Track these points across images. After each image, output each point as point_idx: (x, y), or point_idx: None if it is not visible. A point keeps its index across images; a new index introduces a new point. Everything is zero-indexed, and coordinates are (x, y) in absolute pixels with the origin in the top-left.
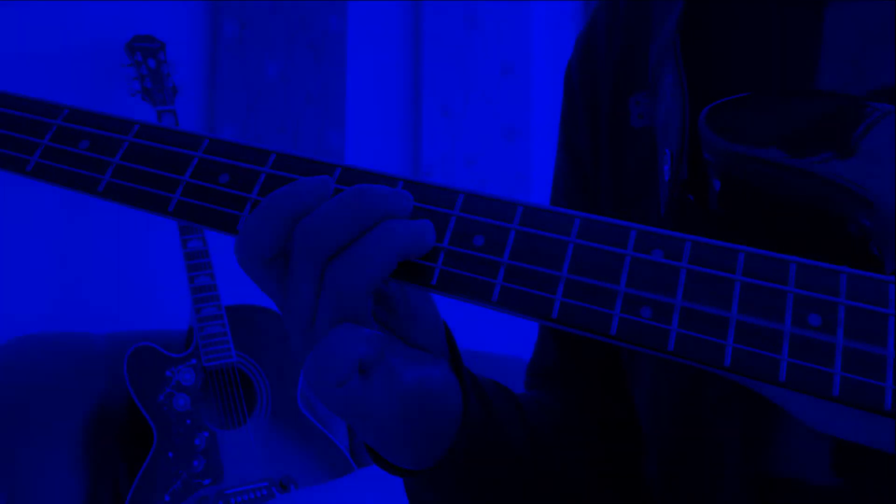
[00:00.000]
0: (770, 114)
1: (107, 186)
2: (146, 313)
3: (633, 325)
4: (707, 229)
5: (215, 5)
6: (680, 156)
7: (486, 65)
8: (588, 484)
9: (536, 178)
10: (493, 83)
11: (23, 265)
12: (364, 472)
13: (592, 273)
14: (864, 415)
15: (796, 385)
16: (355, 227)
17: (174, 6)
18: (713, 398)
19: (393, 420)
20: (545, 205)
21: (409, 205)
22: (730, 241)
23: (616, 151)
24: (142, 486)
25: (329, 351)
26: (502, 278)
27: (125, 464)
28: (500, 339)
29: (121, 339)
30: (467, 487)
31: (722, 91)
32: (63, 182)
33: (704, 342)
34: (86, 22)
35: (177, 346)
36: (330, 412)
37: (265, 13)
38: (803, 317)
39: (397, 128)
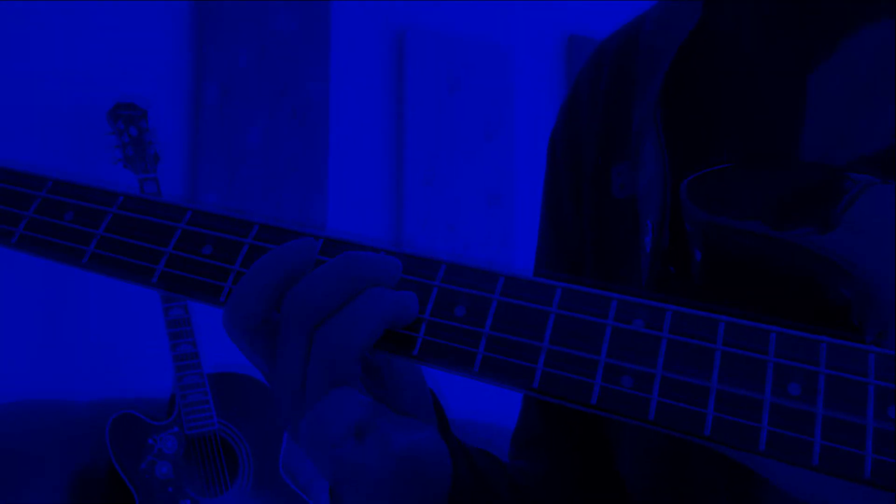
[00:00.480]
0: (751, 185)
1: (91, 257)
2: (128, 381)
3: (614, 394)
4: (689, 300)
5: (197, 71)
6: (661, 226)
7: (468, 130)
8: None
9: (519, 243)
10: (476, 148)
11: (4, 332)
12: None
13: (574, 343)
14: (841, 482)
15: (776, 454)
16: (344, 293)
17: (156, 72)
18: (698, 467)
19: (385, 485)
20: (527, 274)
21: (396, 272)
22: (709, 312)
23: (599, 221)
24: None
25: (325, 414)
26: (483, 348)
27: None
28: (486, 406)
29: (103, 406)
30: None
31: (704, 161)
32: (47, 254)
33: (685, 411)
34: (68, 88)
35: (159, 414)
36: (311, 479)
37: (247, 78)
38: (783, 386)
39: (380, 193)
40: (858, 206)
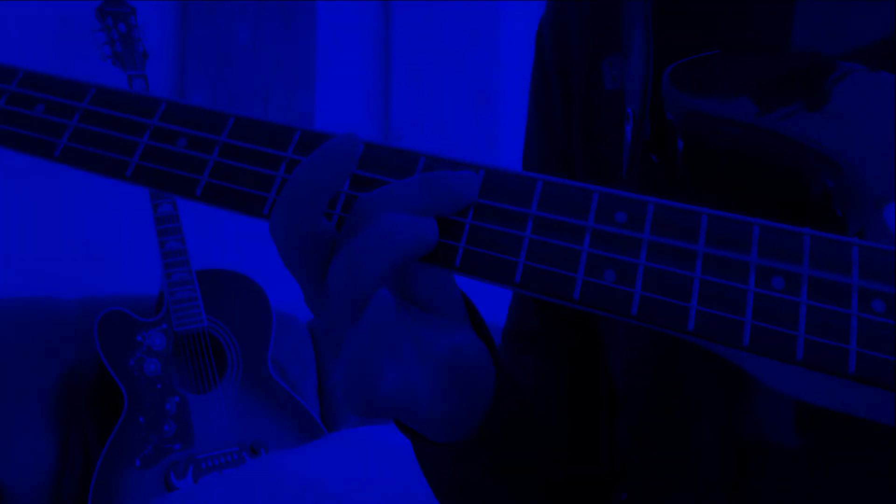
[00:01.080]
0: (736, 71)
1: (63, 150)
2: (116, 278)
3: (597, 289)
4: (671, 190)
5: None
6: (642, 115)
7: (455, 30)
8: (559, 448)
9: (506, 142)
10: (462, 48)
11: None
12: (335, 436)
13: (555, 235)
14: (826, 378)
15: (760, 349)
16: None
17: None
18: (687, 360)
19: (433, 396)
20: (507, 168)
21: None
22: (694, 202)
23: (588, 114)
24: (112, 450)
25: (374, 234)
26: (465, 241)
27: (95, 428)
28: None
29: (91, 303)
30: (507, 451)
31: (692, 52)
32: (19, 146)
33: (668, 305)
34: None
35: (147, 311)
36: (300, 376)
37: None
38: (767, 278)
39: (367, 92)
40: (844, 93)
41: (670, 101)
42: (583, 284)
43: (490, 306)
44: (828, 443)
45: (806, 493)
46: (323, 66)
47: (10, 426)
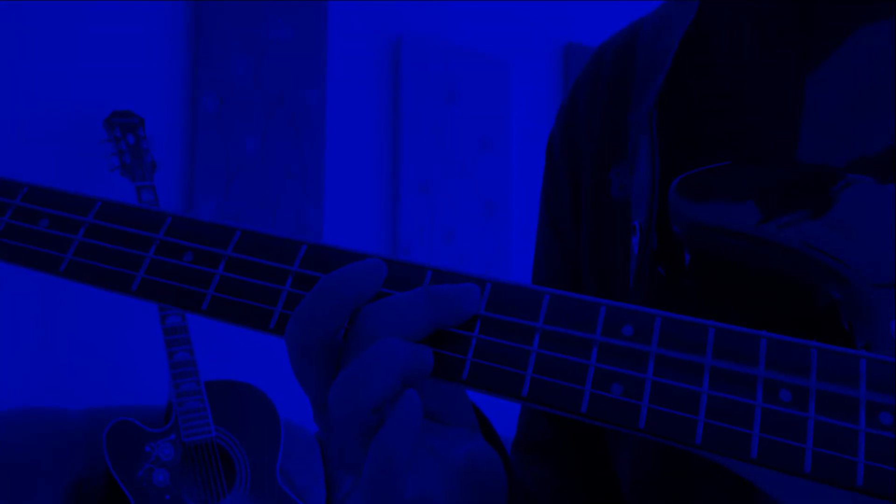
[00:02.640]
0: (742, 184)
1: (69, 265)
2: (124, 388)
3: (604, 401)
4: (678, 302)
5: (194, 80)
6: (648, 227)
7: (465, 140)
8: None
9: (516, 252)
10: (472, 158)
11: None
12: None
13: (563, 350)
14: (834, 491)
15: (768, 461)
16: (429, 325)
17: (153, 81)
18: (695, 472)
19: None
20: (514, 281)
21: (477, 302)
22: (701, 315)
23: (596, 223)
24: None
25: (369, 361)
26: (472, 355)
27: None
28: None
29: (99, 414)
30: None
31: (698, 163)
32: (24, 261)
33: (675, 418)
34: (65, 97)
35: (156, 422)
36: (308, 485)
37: (244, 87)
38: (775, 392)
39: (375, 203)
40: (847, 202)
41: (676, 214)
42: (590, 398)
43: (499, 417)
44: None
45: None
46: (331, 176)
47: None
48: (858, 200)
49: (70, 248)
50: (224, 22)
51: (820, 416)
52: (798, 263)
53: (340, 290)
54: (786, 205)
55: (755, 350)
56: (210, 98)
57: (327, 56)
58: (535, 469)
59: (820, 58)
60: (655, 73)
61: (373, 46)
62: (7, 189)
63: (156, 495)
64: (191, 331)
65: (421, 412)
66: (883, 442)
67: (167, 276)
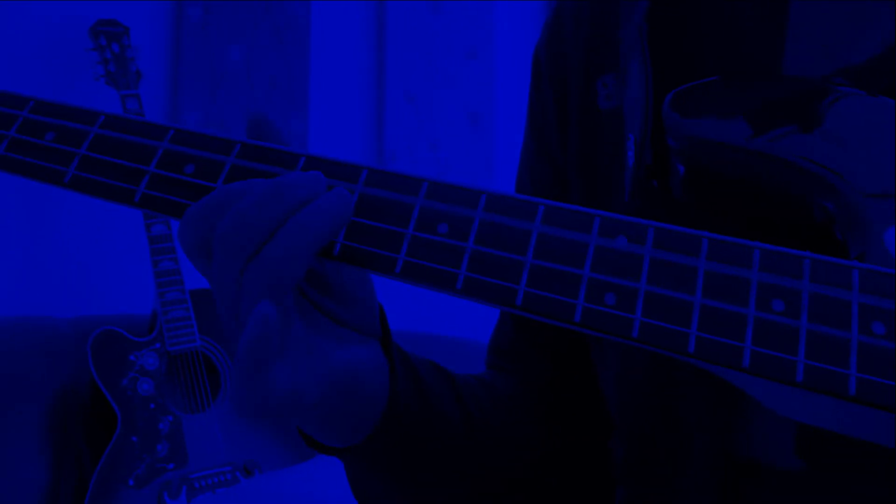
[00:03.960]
0: (734, 98)
1: (73, 178)
2: (109, 297)
3: (597, 312)
4: (671, 215)
5: None
6: (643, 141)
7: (450, 50)
8: (532, 462)
9: (500, 163)
10: (457, 68)
11: None
12: (327, 456)
13: (557, 259)
14: (826, 399)
15: (760, 371)
16: (273, 222)
17: None
18: (682, 380)
19: (321, 402)
20: (509, 192)
21: (321, 187)
22: (694, 228)
23: (584, 133)
24: (105, 469)
25: (251, 336)
26: (466, 266)
27: (89, 448)
28: (461, 322)
29: (84, 323)
30: (397, 465)
31: (688, 77)
32: (29, 174)
33: (668, 329)
34: (49, 6)
35: (140, 331)
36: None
37: None
38: (767, 302)
39: (361, 113)
40: (839, 115)
41: (671, 127)
42: (584, 308)
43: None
44: (828, 465)
45: None
46: (316, 86)
47: (3, 445)
48: (849, 112)
49: (73, 161)
50: None
51: (812, 326)
52: (792, 175)
53: (203, 213)
54: (779, 118)
55: (748, 260)
56: (195, 8)
57: None
58: (488, 373)
59: None
60: None
61: None
62: (14, 102)
63: (140, 404)
64: (175, 240)
65: (275, 324)
66: (875, 351)
67: (169, 187)
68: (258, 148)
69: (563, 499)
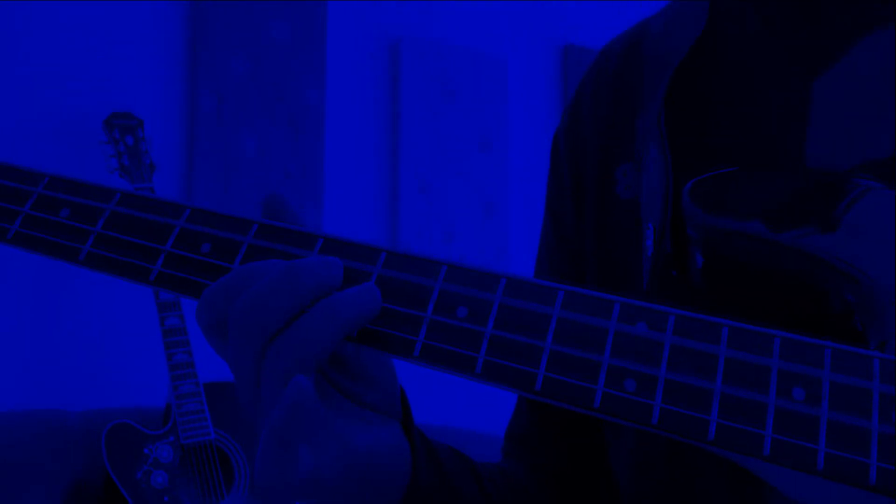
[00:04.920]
0: (754, 189)
1: (87, 256)
2: (123, 390)
3: (617, 398)
4: (690, 304)
5: (192, 79)
6: (663, 230)
7: (463, 140)
8: None
9: (515, 253)
10: (470, 159)
11: None
12: None
13: (576, 344)
14: (846, 488)
15: (781, 460)
16: (291, 307)
17: (151, 81)
18: (701, 467)
19: (342, 485)
20: (529, 276)
21: (338, 273)
22: (712, 316)
23: (602, 221)
24: None
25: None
26: (485, 350)
27: None
28: (467, 413)
29: (97, 416)
30: None
31: (707, 166)
32: (43, 251)
33: (688, 416)
34: (63, 98)
35: (154, 424)
36: None
37: (243, 86)
38: (788, 390)
39: (375, 203)
40: (861, 210)
41: (690, 217)
42: (603, 394)
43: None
44: None
45: None
46: (331, 176)
47: None
48: (872, 207)
49: (89, 238)
50: (222, 21)
51: (833, 415)
52: (812, 268)
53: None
54: (798, 212)
55: (769, 348)
56: (208, 97)
57: (326, 55)
58: (505, 461)
59: (827, 63)
60: (663, 75)
61: (372, 46)
62: (29, 178)
63: (154, 497)
64: (190, 332)
65: (311, 397)
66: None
67: (185, 266)
68: (276, 228)
69: None
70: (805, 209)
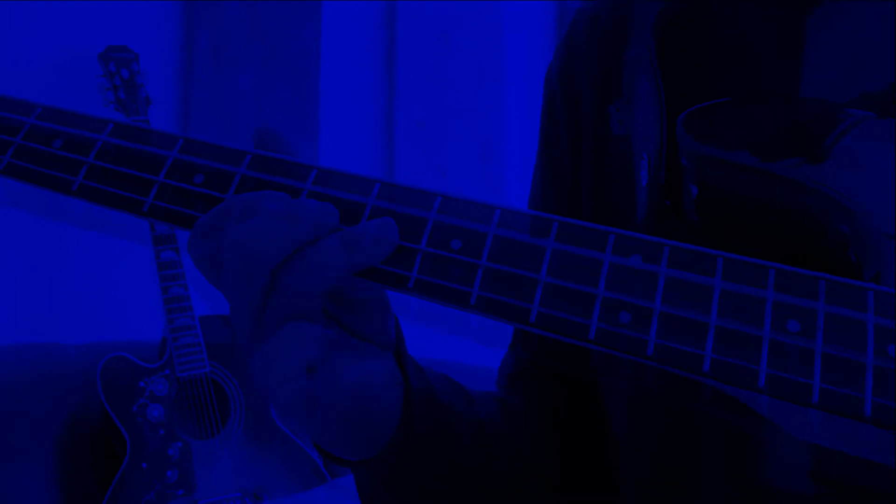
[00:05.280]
0: (748, 120)
1: (80, 187)
2: (118, 324)
3: (612, 330)
4: (684, 235)
5: (189, 16)
6: (657, 160)
7: (459, 78)
8: (543, 483)
9: (510, 190)
10: (466, 96)
11: None
12: (338, 482)
13: (571, 277)
14: (842, 420)
15: (776, 392)
16: (295, 240)
17: (148, 17)
18: (698, 401)
19: (335, 415)
20: (523, 208)
21: (333, 220)
22: (707, 248)
23: (597, 157)
24: (115, 496)
25: (278, 351)
26: (479, 282)
27: (98, 474)
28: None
29: (93, 349)
30: (408, 479)
31: (700, 98)
32: (36, 181)
33: (683, 348)
34: (59, 31)
35: (150, 357)
36: None
37: (239, 24)
38: (783, 322)
39: (371, 140)
40: (852, 140)
41: (685, 147)
42: (598, 326)
43: None
44: (844, 491)
45: None
46: (326, 113)
47: (12, 471)
48: (864, 137)
49: (81, 170)
50: None
51: (827, 348)
52: (806, 199)
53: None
54: (794, 141)
55: (763, 281)
56: (205, 34)
57: None
58: (500, 391)
59: None
60: (652, 7)
61: None
62: (21, 109)
63: (150, 430)
64: (185, 266)
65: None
66: (891, 374)
67: (178, 198)
68: (269, 159)
69: None
70: (797, 139)
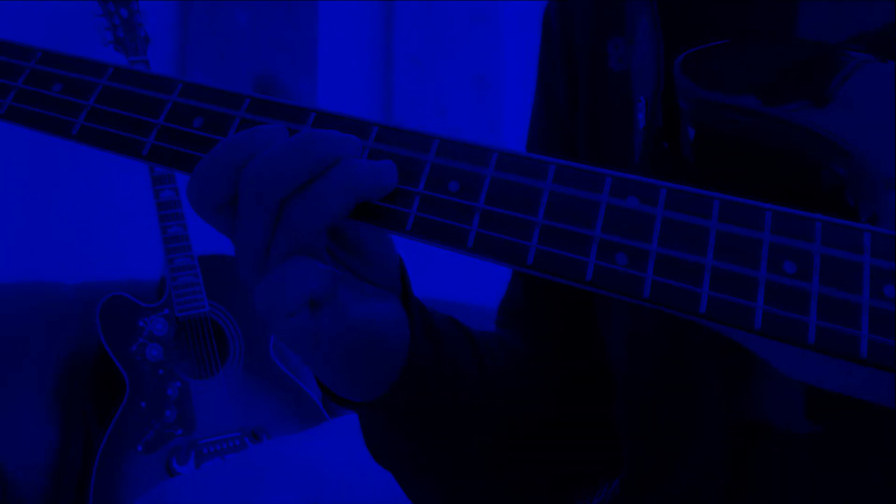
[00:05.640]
0: (746, 61)
1: (81, 130)
2: (118, 263)
3: (608, 271)
4: (681, 177)
5: None
6: (655, 103)
7: (456, 14)
8: (543, 420)
9: (508, 127)
10: (463, 32)
11: None
12: (336, 421)
13: (568, 219)
14: (836, 362)
15: (772, 332)
16: (305, 171)
17: None
18: (692, 341)
19: (339, 353)
20: (520, 150)
21: (356, 150)
22: (704, 189)
23: (593, 95)
24: (114, 436)
25: (281, 283)
26: (477, 224)
27: (97, 413)
28: (472, 287)
29: (92, 288)
30: (414, 419)
31: (698, 38)
32: (36, 125)
33: (679, 289)
34: None
35: (149, 296)
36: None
37: None
38: (778, 263)
39: (369, 76)
40: (854, 84)
41: (682, 90)
42: (595, 267)
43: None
44: (838, 428)
45: (809, 478)
46: (325, 49)
47: (10, 411)
48: (866, 81)
49: (81, 113)
50: None
51: (823, 288)
52: (803, 140)
53: (227, 154)
54: (789, 86)
55: (759, 222)
56: None
57: None
58: (501, 331)
59: None
60: None
61: None
62: (21, 53)
63: (149, 370)
64: (184, 205)
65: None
66: (887, 314)
67: (178, 141)
68: (268, 102)
69: (573, 454)
70: (798, 83)
